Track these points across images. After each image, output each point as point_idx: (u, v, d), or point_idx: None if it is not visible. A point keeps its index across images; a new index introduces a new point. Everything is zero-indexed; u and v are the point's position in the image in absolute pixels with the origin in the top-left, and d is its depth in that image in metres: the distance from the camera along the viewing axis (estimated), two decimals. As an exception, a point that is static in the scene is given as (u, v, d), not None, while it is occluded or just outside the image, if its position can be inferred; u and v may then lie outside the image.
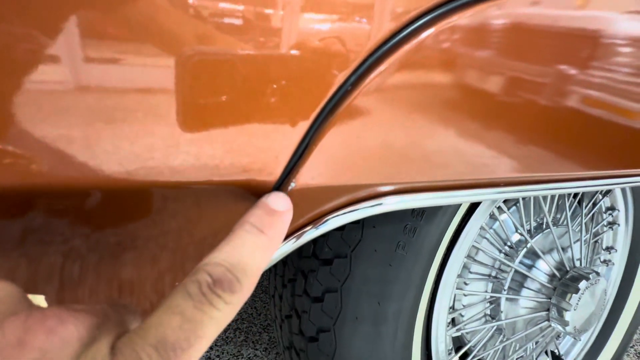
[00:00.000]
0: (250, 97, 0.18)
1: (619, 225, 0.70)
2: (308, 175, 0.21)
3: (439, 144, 0.24)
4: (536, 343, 0.66)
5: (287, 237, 0.25)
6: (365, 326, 0.41)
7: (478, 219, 0.49)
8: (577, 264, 0.61)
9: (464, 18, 0.21)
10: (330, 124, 0.20)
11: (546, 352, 0.71)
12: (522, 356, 0.66)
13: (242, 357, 1.01)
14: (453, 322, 0.57)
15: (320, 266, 0.41)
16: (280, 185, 0.21)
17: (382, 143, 0.22)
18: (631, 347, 1.00)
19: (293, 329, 0.45)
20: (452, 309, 0.54)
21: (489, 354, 0.61)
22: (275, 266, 0.53)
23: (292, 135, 0.20)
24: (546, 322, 0.58)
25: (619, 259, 0.73)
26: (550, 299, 0.56)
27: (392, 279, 0.41)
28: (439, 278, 0.48)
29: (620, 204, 0.68)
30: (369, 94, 0.20)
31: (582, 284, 0.54)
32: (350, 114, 0.20)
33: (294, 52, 0.19)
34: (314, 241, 0.43)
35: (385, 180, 0.24)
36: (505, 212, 0.55)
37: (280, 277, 0.50)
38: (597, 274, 0.55)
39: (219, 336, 1.07)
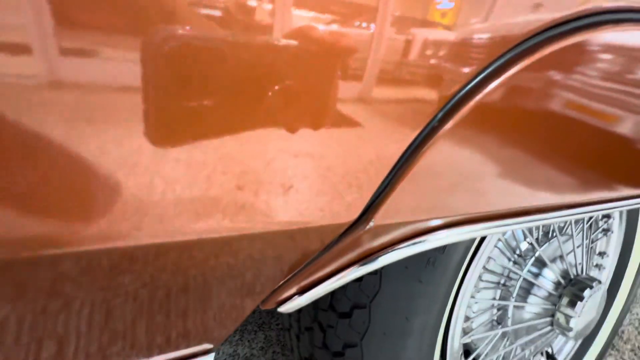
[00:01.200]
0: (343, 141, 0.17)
1: (612, 232, 0.74)
2: (387, 214, 0.20)
3: (512, 174, 0.23)
4: (535, 346, 0.69)
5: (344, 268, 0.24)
6: (391, 341, 0.41)
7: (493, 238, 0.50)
8: (579, 270, 0.63)
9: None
10: (414, 162, 0.19)
11: (541, 352, 0.75)
12: (520, 358, 0.69)
13: (239, 357, 1.00)
14: (463, 329, 0.59)
15: (350, 283, 0.41)
16: (354, 225, 0.20)
17: (459, 177, 0.21)
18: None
19: (315, 342, 0.45)
20: (467, 317, 0.55)
21: (492, 358, 0.64)
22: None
23: (377, 175, 0.18)
24: (549, 327, 0.60)
25: (610, 263, 0.77)
26: (555, 306, 0.58)
27: (420, 295, 0.41)
28: (459, 289, 0.48)
29: (615, 212, 0.72)
30: (456, 131, 0.19)
31: (587, 292, 0.56)
32: (436, 152, 0.19)
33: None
34: None
35: (451, 214, 0.23)
36: (517, 222, 0.56)
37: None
38: (599, 282, 0.58)
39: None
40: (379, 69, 0.17)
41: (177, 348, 0.28)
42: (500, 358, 0.66)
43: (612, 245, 0.75)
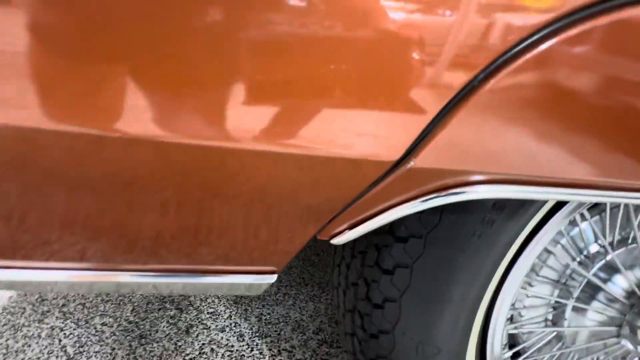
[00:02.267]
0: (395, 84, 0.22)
1: None
2: (428, 158, 0.24)
3: (548, 141, 0.25)
4: (597, 357, 0.63)
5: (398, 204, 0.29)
6: (429, 304, 0.45)
7: (557, 223, 0.48)
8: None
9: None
10: (454, 114, 0.23)
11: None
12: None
13: (290, 319, 1.10)
14: (512, 319, 0.58)
15: (395, 242, 0.45)
16: (399, 164, 0.25)
17: (496, 135, 0.25)
18: None
19: (360, 295, 0.50)
20: (513, 306, 0.54)
21: (544, 357, 0.61)
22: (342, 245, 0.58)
23: (421, 120, 0.23)
24: (614, 339, 0.56)
25: None
26: (625, 315, 0.53)
27: (462, 265, 0.43)
28: (507, 274, 0.49)
29: None
30: (494, 92, 0.23)
31: (666, 306, 0.51)
32: (475, 108, 0.23)
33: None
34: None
35: (491, 170, 0.26)
36: (587, 219, 0.53)
37: (350, 248, 0.55)
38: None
39: (271, 297, 1.18)
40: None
41: (249, 264, 0.36)
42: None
43: None
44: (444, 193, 0.27)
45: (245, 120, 0.24)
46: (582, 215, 0.52)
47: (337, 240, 0.34)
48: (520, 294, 0.56)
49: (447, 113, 0.23)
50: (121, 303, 1.07)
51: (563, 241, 0.55)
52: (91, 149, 0.25)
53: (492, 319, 0.51)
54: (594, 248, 0.57)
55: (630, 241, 0.56)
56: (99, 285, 0.33)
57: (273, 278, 0.39)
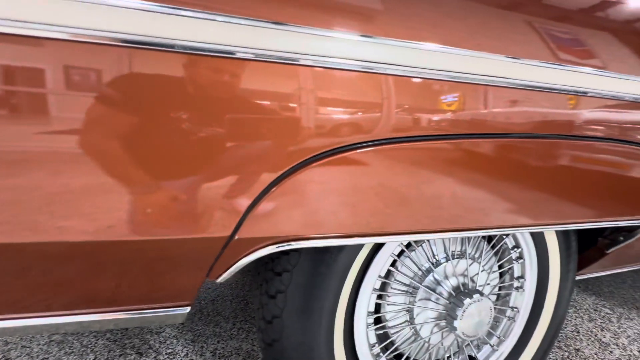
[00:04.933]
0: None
1: (523, 259, 0.91)
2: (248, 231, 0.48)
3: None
4: (450, 348, 0.87)
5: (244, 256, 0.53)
6: (301, 316, 0.67)
7: (385, 254, 0.73)
8: (470, 285, 0.82)
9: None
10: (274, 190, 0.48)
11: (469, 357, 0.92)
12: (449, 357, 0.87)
13: (242, 351, 1.26)
14: (379, 321, 0.81)
15: (274, 276, 0.68)
16: (232, 238, 0.49)
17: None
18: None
19: (259, 315, 0.72)
20: (373, 313, 0.78)
21: (410, 348, 0.84)
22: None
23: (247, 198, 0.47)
24: (446, 328, 0.80)
25: (529, 285, 0.93)
26: (447, 310, 0.78)
27: (317, 287, 0.67)
28: (357, 293, 0.73)
29: (522, 243, 0.90)
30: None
31: (467, 301, 0.76)
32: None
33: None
34: (274, 261, 0.70)
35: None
36: (415, 248, 0.79)
37: (257, 283, 0.77)
38: (481, 294, 0.77)
39: (227, 332, 1.34)
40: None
41: (165, 301, 0.57)
42: (423, 353, 0.85)
43: (527, 270, 0.92)
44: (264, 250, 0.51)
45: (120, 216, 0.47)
46: (410, 244, 0.78)
47: (219, 279, 0.56)
48: (383, 304, 0.80)
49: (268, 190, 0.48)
50: (83, 354, 1.18)
51: (407, 261, 0.80)
52: None
53: (354, 325, 0.74)
54: (427, 264, 0.82)
55: (447, 258, 0.82)
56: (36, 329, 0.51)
57: (187, 309, 0.60)
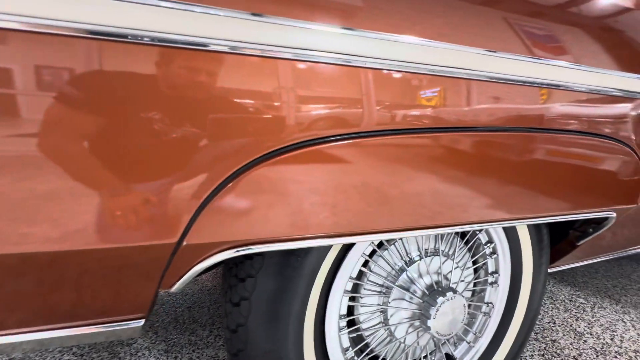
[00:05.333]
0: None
1: (497, 254, 0.90)
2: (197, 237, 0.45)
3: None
4: (427, 347, 0.86)
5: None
6: (267, 324, 0.64)
7: (356, 254, 0.71)
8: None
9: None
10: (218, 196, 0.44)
11: (446, 355, 0.91)
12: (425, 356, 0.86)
13: (218, 358, 1.21)
14: (353, 324, 0.78)
15: (238, 282, 0.64)
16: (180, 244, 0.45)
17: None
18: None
19: (224, 324, 0.68)
20: (345, 316, 0.75)
21: (386, 350, 0.82)
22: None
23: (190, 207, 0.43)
24: (421, 328, 0.78)
25: (503, 280, 0.93)
26: (420, 310, 0.76)
27: (283, 291, 0.63)
28: (327, 297, 0.70)
29: (495, 238, 0.89)
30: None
31: (440, 299, 0.74)
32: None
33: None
34: (238, 266, 0.66)
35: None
36: (387, 247, 0.77)
37: (224, 290, 0.73)
38: (454, 291, 0.76)
39: (202, 340, 1.29)
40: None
41: (119, 314, 0.53)
42: (399, 353, 0.83)
43: (501, 265, 0.92)
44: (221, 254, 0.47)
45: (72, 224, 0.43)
46: (382, 243, 0.76)
47: (173, 289, 0.52)
48: (356, 305, 0.77)
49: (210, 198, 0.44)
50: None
51: (380, 262, 0.78)
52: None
53: (325, 329, 0.71)
54: (400, 263, 0.80)
55: (420, 257, 0.81)
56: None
57: (141, 322, 0.56)
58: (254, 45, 0.43)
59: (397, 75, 0.54)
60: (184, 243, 0.45)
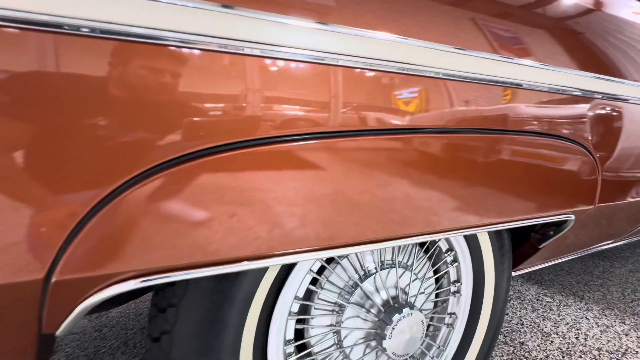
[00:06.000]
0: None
1: (458, 262, 0.85)
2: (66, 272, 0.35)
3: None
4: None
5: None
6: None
7: (301, 273, 0.63)
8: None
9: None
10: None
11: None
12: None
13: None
14: (304, 348, 0.70)
15: (158, 314, 0.55)
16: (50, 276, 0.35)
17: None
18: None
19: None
20: (291, 342, 0.67)
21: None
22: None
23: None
24: (378, 348, 0.71)
25: (465, 288, 0.88)
26: (376, 329, 0.69)
27: (214, 328, 0.54)
28: (270, 321, 0.61)
29: (455, 245, 0.84)
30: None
31: (395, 317, 0.68)
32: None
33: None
34: (158, 294, 0.56)
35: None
36: (340, 262, 0.69)
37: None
38: (411, 307, 0.70)
39: None
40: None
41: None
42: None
43: (463, 273, 0.87)
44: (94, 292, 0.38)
45: None
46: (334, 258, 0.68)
47: (59, 332, 0.42)
48: (306, 328, 0.69)
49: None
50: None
51: (332, 278, 0.70)
52: None
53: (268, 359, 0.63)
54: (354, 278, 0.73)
55: (375, 270, 0.74)
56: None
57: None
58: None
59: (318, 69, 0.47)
60: (53, 280, 0.36)
